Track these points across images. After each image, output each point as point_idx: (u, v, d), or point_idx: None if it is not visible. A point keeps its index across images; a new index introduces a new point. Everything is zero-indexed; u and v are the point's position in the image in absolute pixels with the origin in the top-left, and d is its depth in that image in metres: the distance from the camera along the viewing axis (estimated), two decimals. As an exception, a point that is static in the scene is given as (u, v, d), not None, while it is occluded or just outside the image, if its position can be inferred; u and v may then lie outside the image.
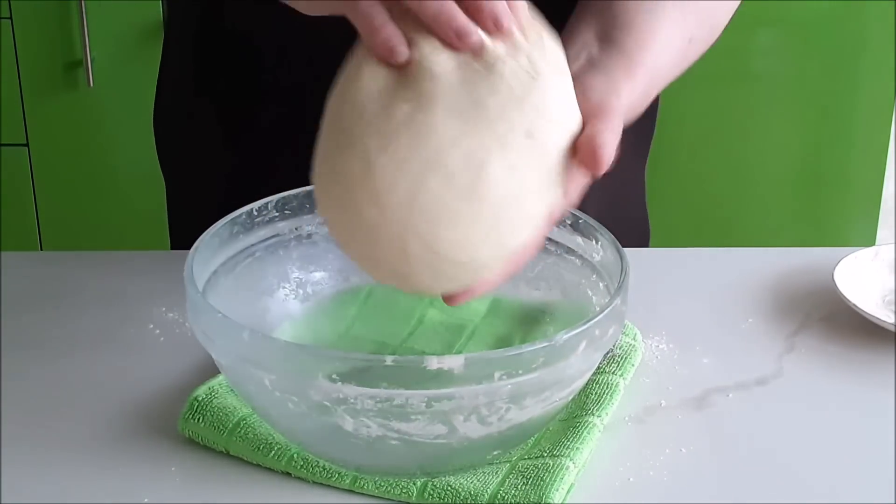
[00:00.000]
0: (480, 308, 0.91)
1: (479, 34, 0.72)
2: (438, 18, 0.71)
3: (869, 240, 2.15)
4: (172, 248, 1.16)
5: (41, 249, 2.13)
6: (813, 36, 2.05)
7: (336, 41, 0.76)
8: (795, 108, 2.10)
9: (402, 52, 0.71)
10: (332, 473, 0.76)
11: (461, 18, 0.71)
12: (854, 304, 0.93)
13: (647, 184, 1.22)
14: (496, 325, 0.90)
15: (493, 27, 0.72)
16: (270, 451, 0.77)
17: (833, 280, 0.96)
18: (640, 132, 1.05)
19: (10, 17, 2.00)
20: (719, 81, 2.05)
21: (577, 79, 0.78)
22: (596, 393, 0.83)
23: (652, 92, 0.85)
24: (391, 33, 0.72)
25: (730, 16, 0.94)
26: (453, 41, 0.72)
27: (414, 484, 0.75)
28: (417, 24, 0.72)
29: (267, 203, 0.86)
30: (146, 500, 0.75)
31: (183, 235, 1.15)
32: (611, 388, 0.83)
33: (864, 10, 2.02)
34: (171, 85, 1.12)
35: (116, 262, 1.03)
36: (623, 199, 1.07)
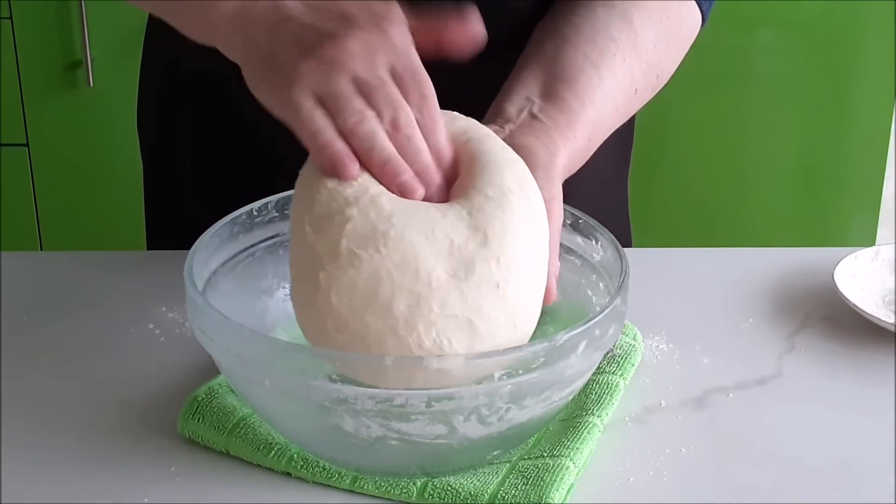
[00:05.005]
0: (480, 308, 0.91)
1: (422, 190, 0.73)
2: (384, 169, 0.72)
3: (869, 240, 2.15)
4: (148, 247, 1.16)
5: (41, 249, 2.13)
6: (813, 36, 2.05)
7: None
8: (795, 108, 2.10)
9: (351, 170, 0.72)
10: (332, 473, 0.76)
11: (407, 174, 0.72)
12: (854, 305, 0.93)
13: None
14: (496, 325, 0.90)
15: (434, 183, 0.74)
16: (270, 451, 0.77)
17: (833, 280, 0.96)
18: (620, 142, 1.05)
19: (11, 18, 2.00)
20: (719, 81, 2.05)
21: (516, 135, 0.80)
22: (596, 393, 0.83)
23: (593, 146, 0.87)
24: (338, 150, 0.72)
25: (677, 64, 0.95)
26: (396, 192, 0.73)
27: (414, 484, 0.75)
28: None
29: (267, 203, 0.86)
30: (146, 500, 0.75)
31: (158, 235, 1.15)
32: (611, 388, 0.83)
33: (863, 10, 2.02)
34: (149, 87, 1.12)
35: (116, 262, 1.03)
36: (604, 205, 1.08)
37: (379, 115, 0.72)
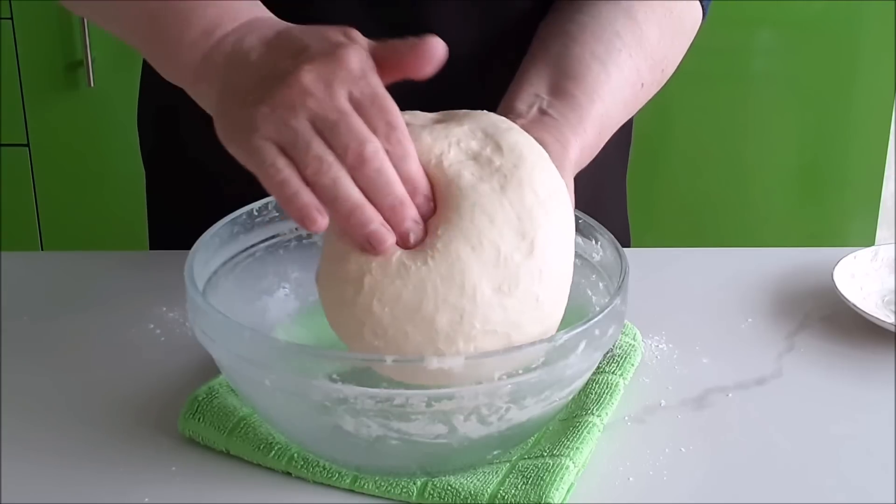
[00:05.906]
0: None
1: (392, 239, 0.70)
2: (350, 221, 0.69)
3: (869, 240, 2.15)
4: (151, 246, 1.16)
5: (41, 249, 2.13)
6: (812, 36, 2.05)
7: None
8: (795, 108, 2.10)
9: (319, 223, 0.68)
10: (332, 473, 0.76)
11: (374, 224, 0.69)
12: (853, 304, 0.93)
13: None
14: (496, 325, 0.90)
15: (413, 225, 0.71)
16: (270, 451, 0.77)
17: (833, 280, 0.96)
18: (618, 141, 1.06)
19: (11, 18, 2.01)
20: (718, 81, 2.05)
21: (527, 130, 0.79)
22: (596, 393, 0.83)
23: (602, 140, 0.86)
24: (304, 204, 0.68)
25: (681, 57, 0.96)
26: (364, 244, 0.70)
27: (414, 484, 0.75)
28: None
29: (267, 203, 0.86)
30: (146, 500, 0.75)
31: (160, 235, 1.15)
32: (611, 388, 0.83)
33: (863, 10, 2.03)
34: (151, 88, 1.12)
35: (116, 262, 1.03)
36: (602, 204, 1.08)
37: (342, 152, 0.68)
